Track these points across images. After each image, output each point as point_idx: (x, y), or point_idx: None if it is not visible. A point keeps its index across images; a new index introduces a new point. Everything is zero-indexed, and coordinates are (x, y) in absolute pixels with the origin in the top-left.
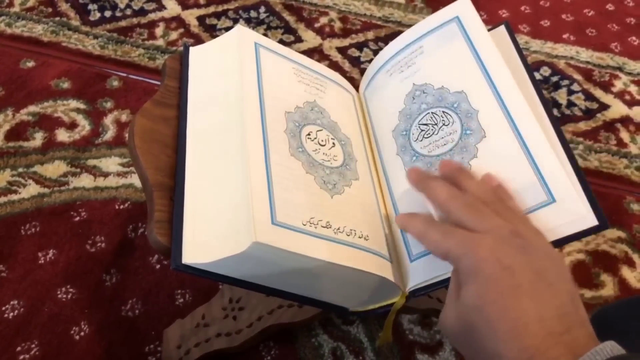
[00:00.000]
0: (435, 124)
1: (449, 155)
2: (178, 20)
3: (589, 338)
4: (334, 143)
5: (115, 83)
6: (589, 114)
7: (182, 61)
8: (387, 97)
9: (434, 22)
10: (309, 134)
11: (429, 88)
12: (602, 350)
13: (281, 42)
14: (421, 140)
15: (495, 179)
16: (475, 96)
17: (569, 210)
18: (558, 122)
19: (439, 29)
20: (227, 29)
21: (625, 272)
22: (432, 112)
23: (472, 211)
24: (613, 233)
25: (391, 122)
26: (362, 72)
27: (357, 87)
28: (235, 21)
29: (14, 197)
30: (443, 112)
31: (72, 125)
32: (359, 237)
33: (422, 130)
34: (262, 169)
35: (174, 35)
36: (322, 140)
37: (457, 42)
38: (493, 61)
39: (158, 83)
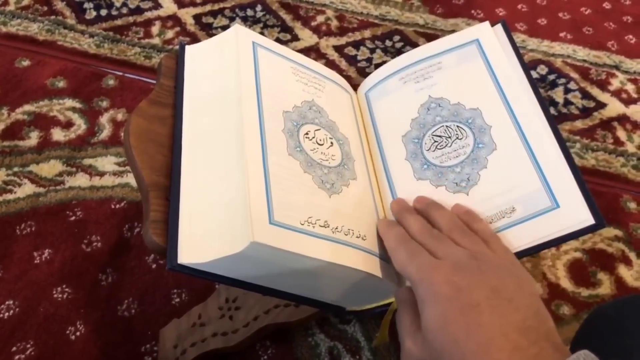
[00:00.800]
0: (449, 137)
1: (460, 167)
2: (174, 19)
3: (554, 350)
4: (332, 142)
5: (111, 82)
6: (585, 112)
7: (178, 60)
8: (398, 103)
9: (455, 41)
10: (307, 134)
11: (445, 102)
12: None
13: (278, 40)
14: (434, 151)
15: (463, 207)
16: (489, 113)
17: (572, 215)
18: (554, 121)
19: (459, 49)
20: (224, 27)
21: (622, 270)
22: (446, 126)
23: (435, 239)
24: (610, 232)
25: (402, 127)
26: (359, 70)
27: (354, 86)
28: (232, 20)
29: (9, 196)
30: (457, 126)
31: (67, 125)
32: (357, 237)
33: (436, 142)
34: (259, 169)
35: (170, 33)
36: (320, 140)
37: (476, 63)
38: (508, 81)
39: (154, 82)
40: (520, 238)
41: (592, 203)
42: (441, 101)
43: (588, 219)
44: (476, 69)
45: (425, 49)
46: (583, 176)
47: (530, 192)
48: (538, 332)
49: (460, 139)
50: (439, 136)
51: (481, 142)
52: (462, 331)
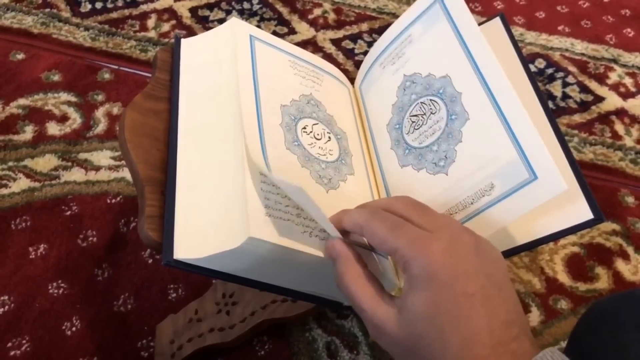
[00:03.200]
0: (424, 114)
1: (436, 145)
2: (170, 12)
3: (530, 345)
4: (329, 137)
5: (107, 75)
6: (583, 106)
7: (174, 53)
8: (381, 91)
9: (419, 7)
10: (304, 128)
11: (418, 77)
12: (542, 358)
13: (274, 33)
14: (412, 133)
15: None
16: (459, 79)
17: (551, 187)
18: (553, 115)
19: (424, 14)
20: (220, 20)
21: (620, 264)
22: (420, 102)
23: (420, 208)
24: (608, 226)
25: (385, 116)
26: (356, 64)
27: (351, 80)
28: (228, 13)
29: (4, 191)
30: (430, 100)
31: (62, 119)
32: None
33: (413, 122)
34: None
35: (165, 27)
36: (318, 134)
37: (441, 25)
38: (475, 41)
39: (150, 75)
40: (503, 217)
41: (590, 195)
42: (414, 77)
43: (585, 214)
44: (442, 31)
45: (395, 26)
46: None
47: (507, 164)
48: (519, 326)
49: (434, 113)
50: (415, 115)
51: (453, 112)
52: (450, 322)
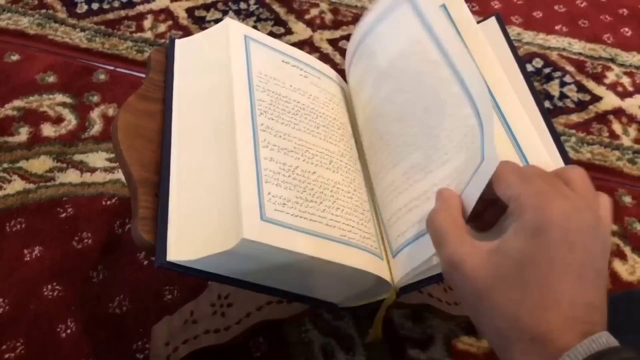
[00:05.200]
0: (402, 112)
1: (412, 140)
2: (166, 12)
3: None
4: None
5: (102, 76)
6: (581, 105)
7: (168, 54)
8: (359, 90)
9: (385, 2)
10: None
11: (390, 73)
12: (597, 339)
13: (271, 34)
14: (389, 131)
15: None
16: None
17: None
18: (549, 115)
19: (392, 11)
20: (217, 20)
21: (617, 265)
22: (395, 99)
23: (551, 179)
24: None
25: (362, 114)
26: None
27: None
28: (225, 13)
29: None
30: (405, 98)
31: (58, 120)
32: (350, 233)
33: (387, 121)
34: (251, 164)
35: (162, 27)
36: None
37: (409, 21)
38: (445, 34)
39: (145, 76)
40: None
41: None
42: (386, 74)
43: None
44: (411, 28)
45: (365, 21)
46: None
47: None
48: (600, 315)
49: (410, 111)
50: (390, 114)
51: (429, 110)
52: (538, 279)
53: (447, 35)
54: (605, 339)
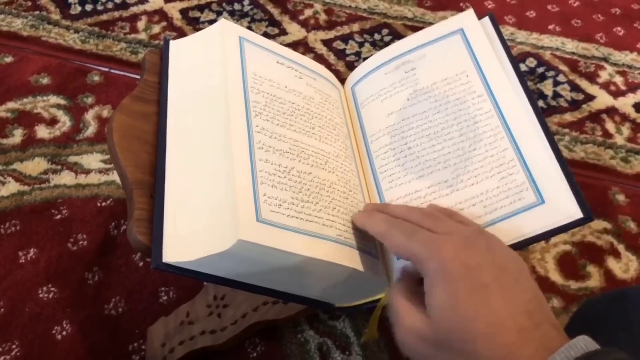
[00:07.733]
0: (435, 131)
1: (444, 162)
2: (160, 14)
3: (557, 333)
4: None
5: (96, 78)
6: (574, 105)
7: (162, 55)
8: (383, 97)
9: (438, 31)
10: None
11: (429, 94)
12: (575, 344)
13: (265, 34)
14: (418, 144)
15: (439, 206)
16: (472, 102)
17: (558, 211)
18: (542, 115)
19: (443, 39)
20: (211, 21)
21: (611, 263)
22: (431, 118)
23: (430, 218)
24: (599, 224)
25: (386, 120)
26: (348, 64)
27: (342, 80)
28: (219, 14)
29: None
30: (443, 118)
31: (52, 122)
32: (346, 233)
33: (420, 135)
34: (246, 165)
35: (156, 28)
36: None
37: (460, 53)
38: (493, 72)
39: (139, 78)
40: (505, 235)
41: (580, 196)
42: (426, 93)
43: (575, 214)
44: (460, 60)
45: (410, 41)
46: (571, 169)
47: (515, 187)
48: (541, 314)
49: (446, 132)
50: (424, 129)
51: (464, 134)
52: (471, 311)
53: (494, 73)
54: (583, 343)
